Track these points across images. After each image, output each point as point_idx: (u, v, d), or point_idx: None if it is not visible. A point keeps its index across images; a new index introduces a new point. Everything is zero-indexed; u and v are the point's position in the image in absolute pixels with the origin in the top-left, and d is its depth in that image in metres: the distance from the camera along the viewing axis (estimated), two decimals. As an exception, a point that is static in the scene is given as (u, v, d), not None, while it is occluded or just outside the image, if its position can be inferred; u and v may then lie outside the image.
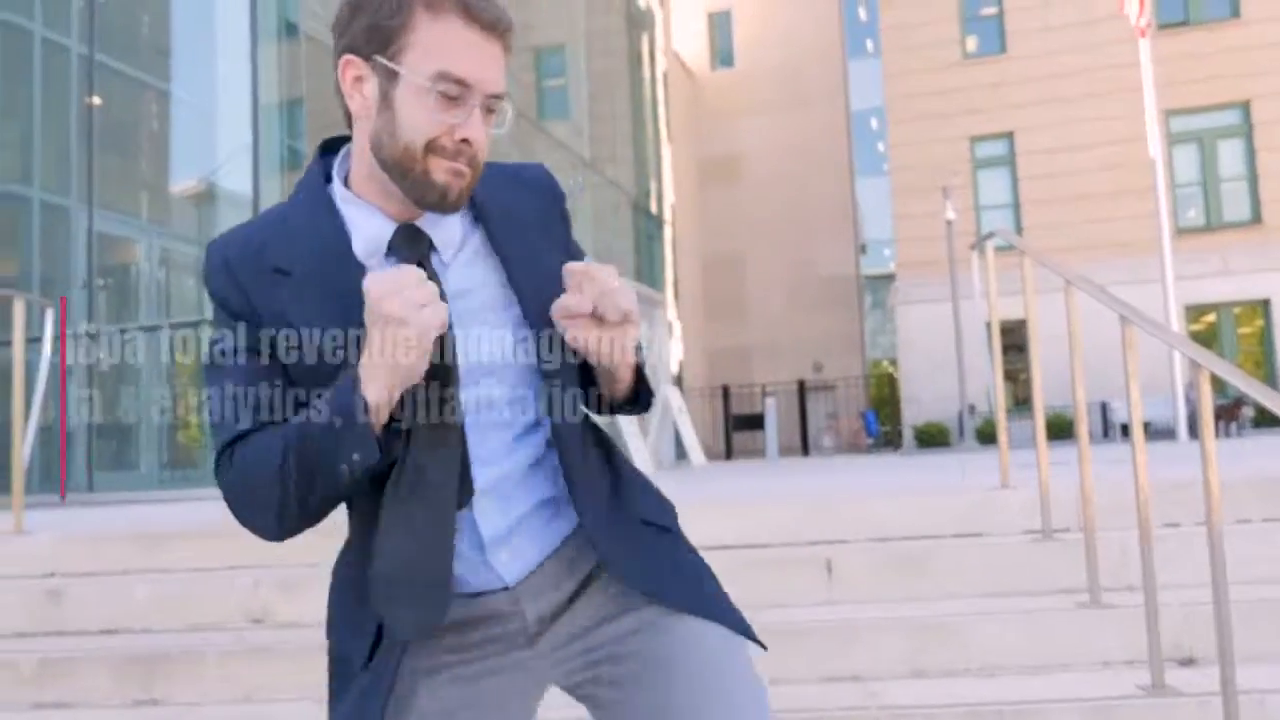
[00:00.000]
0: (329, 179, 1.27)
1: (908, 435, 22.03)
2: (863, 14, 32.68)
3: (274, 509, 1.16)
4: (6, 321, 4.49)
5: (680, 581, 1.26)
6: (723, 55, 31.38)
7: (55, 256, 8.95)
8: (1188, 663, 2.89)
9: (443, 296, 1.13)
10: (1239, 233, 20.99)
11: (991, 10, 22.41)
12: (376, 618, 1.19)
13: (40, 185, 9.25)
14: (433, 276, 1.18)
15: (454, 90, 1.15)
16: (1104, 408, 19.55)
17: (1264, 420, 16.30)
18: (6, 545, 3.73)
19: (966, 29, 22.62)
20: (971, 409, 20.65)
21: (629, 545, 1.26)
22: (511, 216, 1.29)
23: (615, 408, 1.31)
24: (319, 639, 3.01)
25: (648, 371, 1.29)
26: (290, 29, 9.38)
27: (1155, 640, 2.63)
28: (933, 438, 21.20)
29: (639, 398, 1.30)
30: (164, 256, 9.12)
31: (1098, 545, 3.05)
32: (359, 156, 1.23)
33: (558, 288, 1.19)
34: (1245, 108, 21.17)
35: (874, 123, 31.78)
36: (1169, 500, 3.50)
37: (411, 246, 1.21)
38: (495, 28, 1.17)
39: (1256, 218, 21.09)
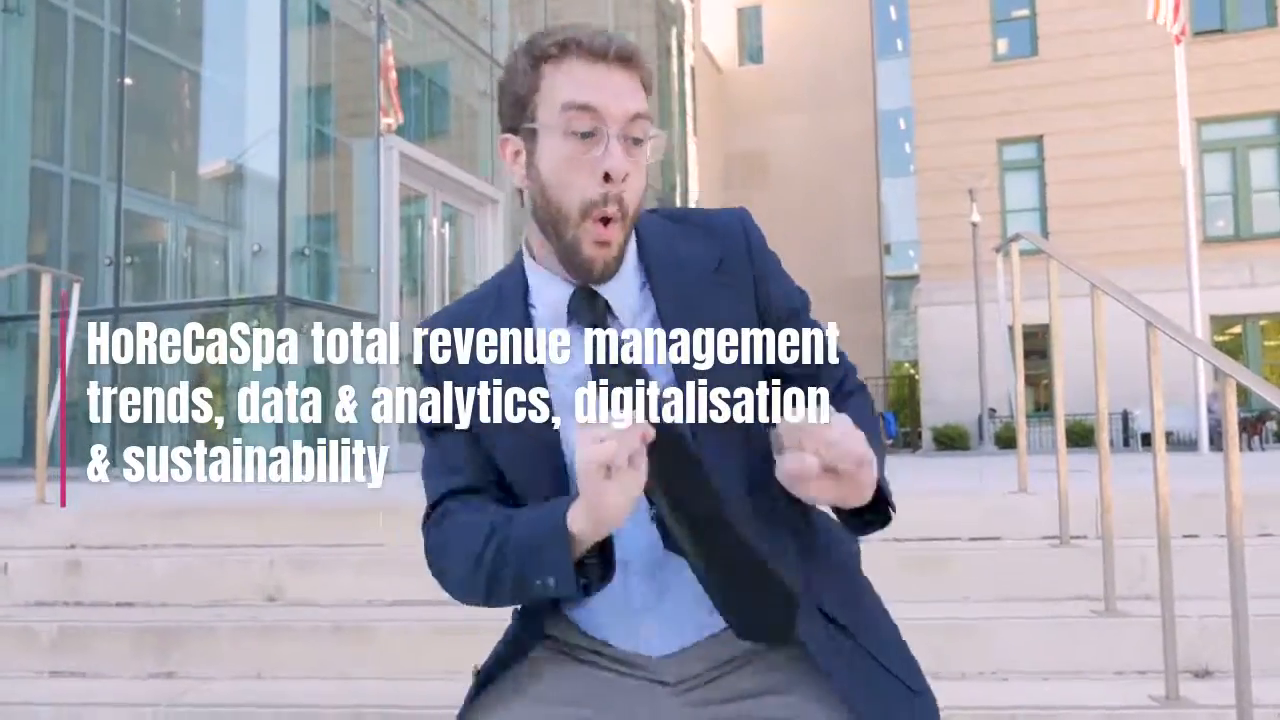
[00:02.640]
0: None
1: (926, 437, 21.96)
2: (893, 13, 32.48)
3: (464, 590, 1.21)
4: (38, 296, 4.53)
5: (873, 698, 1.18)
6: (751, 51, 31.31)
7: (84, 234, 9.03)
8: (1203, 675, 2.86)
9: (627, 365, 1.12)
10: (1268, 244, 20.76)
11: (1023, 12, 22.24)
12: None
13: (71, 163, 9.33)
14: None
15: (584, 122, 1.15)
16: (1125, 416, 19.41)
17: (1288, 435, 16.13)
18: (30, 516, 3.78)
19: (998, 31, 22.46)
20: (992, 413, 20.56)
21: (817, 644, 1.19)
22: (682, 268, 1.24)
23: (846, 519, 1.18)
24: (330, 618, 3.05)
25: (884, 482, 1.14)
26: (321, 14, 9.42)
27: (1171, 651, 2.61)
28: (952, 440, 21.12)
29: (876, 514, 1.15)
30: (190, 236, 9.19)
31: (1115, 554, 3.03)
32: (532, 228, 1.25)
33: (717, 343, 1.15)
34: (1279, 118, 20.92)
35: (902, 123, 31.62)
36: (1189, 511, 3.46)
37: (589, 310, 1.20)
38: (612, 54, 1.16)
39: (1288, 230, 20.87)
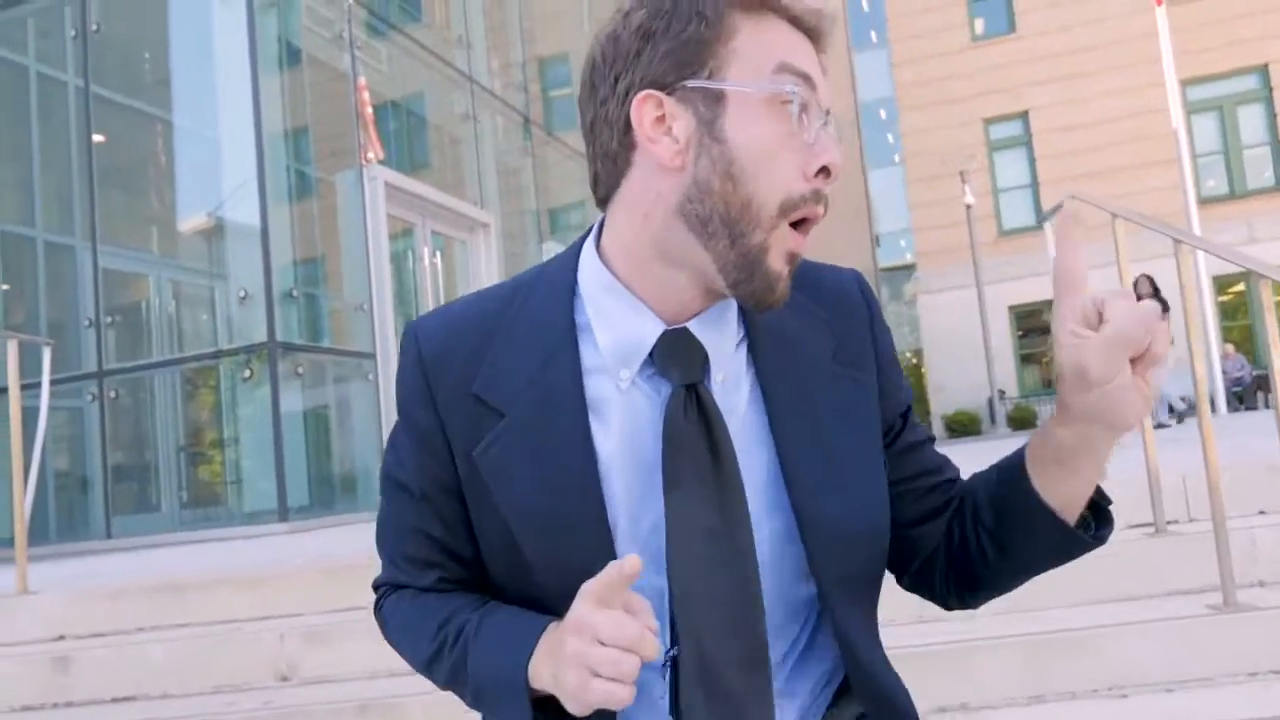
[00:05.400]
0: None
1: (938, 425, 21.61)
2: (865, 4, 32.35)
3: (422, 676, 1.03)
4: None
5: None
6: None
7: (62, 297, 8.71)
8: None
9: (715, 432, 0.89)
10: (1263, 199, 20.55)
11: (998, -10, 22.06)
12: None
13: (43, 225, 9.01)
14: (705, 404, 0.90)
15: (801, 91, 0.86)
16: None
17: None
18: (10, 607, 3.42)
19: (973, 11, 22.27)
20: (1001, 394, 20.27)
21: None
22: (793, 345, 0.96)
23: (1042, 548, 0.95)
24: (353, 695, 2.70)
25: None
26: (292, 52, 9.13)
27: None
28: (964, 426, 20.80)
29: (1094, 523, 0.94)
30: (174, 290, 8.87)
31: (1230, 540, 2.69)
32: (639, 225, 0.91)
33: (839, 469, 0.92)
34: (1264, 72, 20.73)
35: (883, 113, 31.42)
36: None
37: (682, 362, 0.91)
38: (820, 31, 0.91)
39: (1280, 183, 20.68)
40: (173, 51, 9.10)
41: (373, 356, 8.62)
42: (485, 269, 10.70)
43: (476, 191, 11.18)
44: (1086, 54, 20.90)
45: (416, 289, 9.83)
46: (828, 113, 0.89)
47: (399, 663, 2.85)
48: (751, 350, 0.95)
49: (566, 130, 14.37)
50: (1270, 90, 20.73)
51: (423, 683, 2.74)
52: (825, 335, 0.97)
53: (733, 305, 0.94)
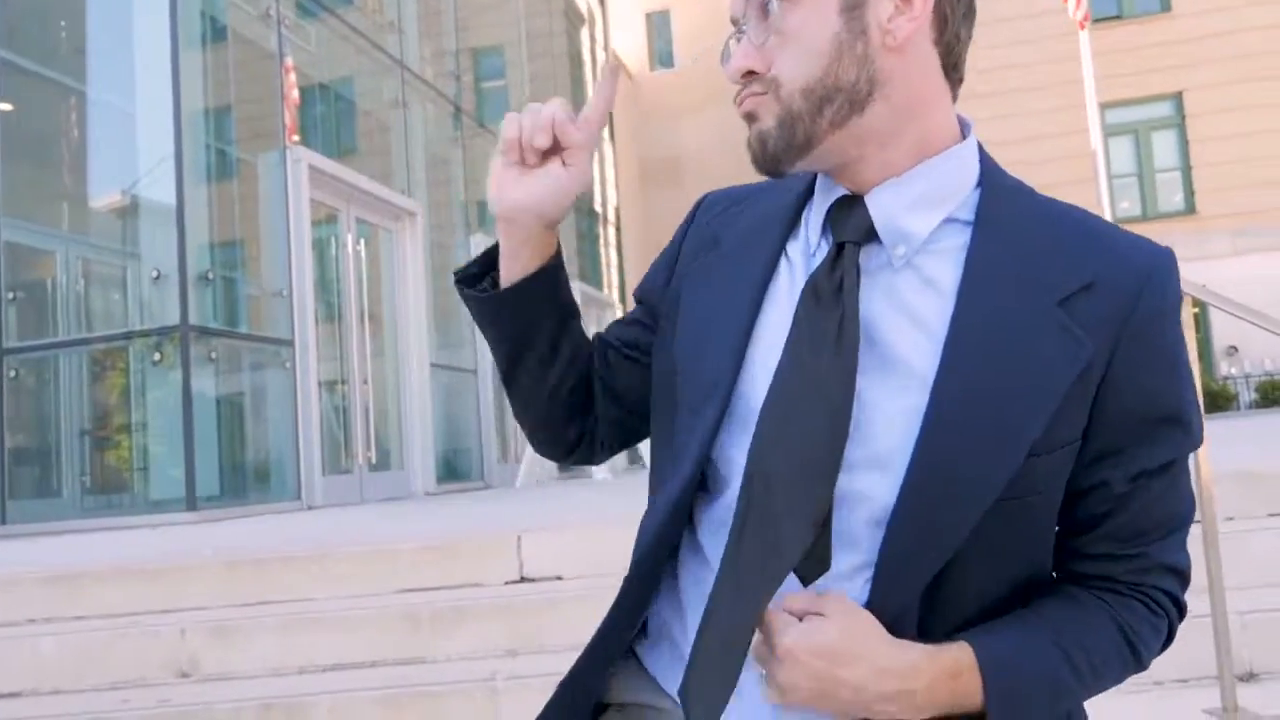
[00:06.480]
0: None
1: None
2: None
3: None
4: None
5: None
6: (662, 56, 31.15)
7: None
8: (1249, 679, 2.59)
9: (845, 289, 0.89)
10: (1174, 222, 21.33)
11: (930, 6, 22.55)
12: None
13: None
14: (845, 260, 0.90)
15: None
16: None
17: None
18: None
19: (906, 25, 22.72)
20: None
21: None
22: (1016, 259, 0.88)
23: None
24: (256, 694, 2.60)
25: None
26: (217, 27, 8.85)
27: (1226, 655, 2.32)
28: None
29: None
30: (84, 268, 8.52)
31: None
32: None
33: (1013, 396, 0.83)
34: (1178, 100, 21.53)
35: (814, 122, 31.76)
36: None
37: (844, 223, 0.93)
38: None
39: (1191, 208, 21.47)
40: (90, 19, 8.76)
41: (290, 344, 8.39)
42: (410, 258, 10.51)
43: (404, 180, 10.98)
44: (1013, 71, 21.47)
45: (339, 276, 9.61)
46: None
47: (306, 660, 2.76)
48: (973, 253, 0.89)
49: (499, 122, 14.22)
50: (1183, 118, 21.53)
51: (329, 682, 2.65)
52: (1068, 274, 0.86)
53: (930, 184, 0.93)
